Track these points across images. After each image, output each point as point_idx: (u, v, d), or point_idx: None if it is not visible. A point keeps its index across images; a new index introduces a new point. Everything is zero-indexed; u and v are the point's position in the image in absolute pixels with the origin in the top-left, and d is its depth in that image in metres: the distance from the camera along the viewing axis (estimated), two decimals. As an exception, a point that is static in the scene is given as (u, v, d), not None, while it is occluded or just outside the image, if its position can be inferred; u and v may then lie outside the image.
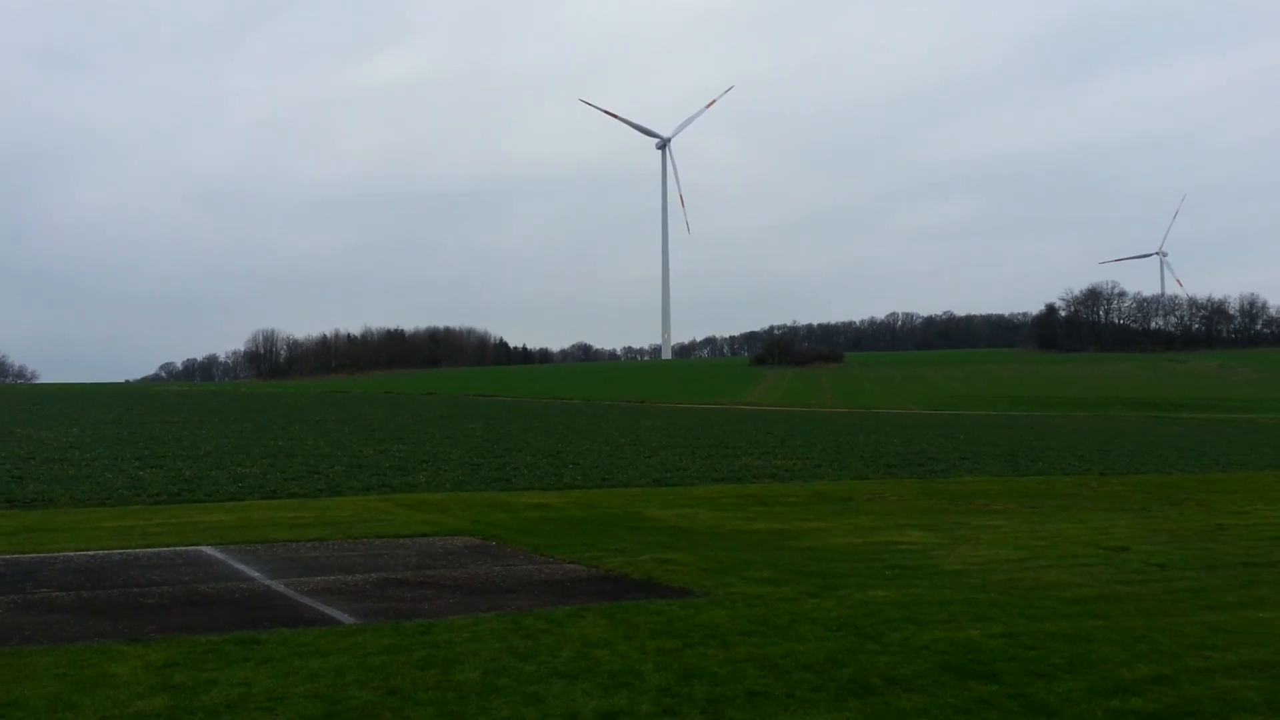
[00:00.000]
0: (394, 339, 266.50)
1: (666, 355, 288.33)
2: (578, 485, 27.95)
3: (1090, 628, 10.86)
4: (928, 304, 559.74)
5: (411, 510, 21.52)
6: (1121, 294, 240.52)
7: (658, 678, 8.70)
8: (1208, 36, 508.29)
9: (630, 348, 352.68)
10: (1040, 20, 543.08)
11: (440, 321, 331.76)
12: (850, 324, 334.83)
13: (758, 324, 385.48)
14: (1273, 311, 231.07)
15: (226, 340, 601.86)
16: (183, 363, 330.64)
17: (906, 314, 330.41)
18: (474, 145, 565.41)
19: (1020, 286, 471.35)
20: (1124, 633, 10.64)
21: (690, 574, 13.96)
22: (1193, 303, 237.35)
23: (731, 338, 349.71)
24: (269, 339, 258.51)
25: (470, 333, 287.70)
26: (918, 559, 15.93)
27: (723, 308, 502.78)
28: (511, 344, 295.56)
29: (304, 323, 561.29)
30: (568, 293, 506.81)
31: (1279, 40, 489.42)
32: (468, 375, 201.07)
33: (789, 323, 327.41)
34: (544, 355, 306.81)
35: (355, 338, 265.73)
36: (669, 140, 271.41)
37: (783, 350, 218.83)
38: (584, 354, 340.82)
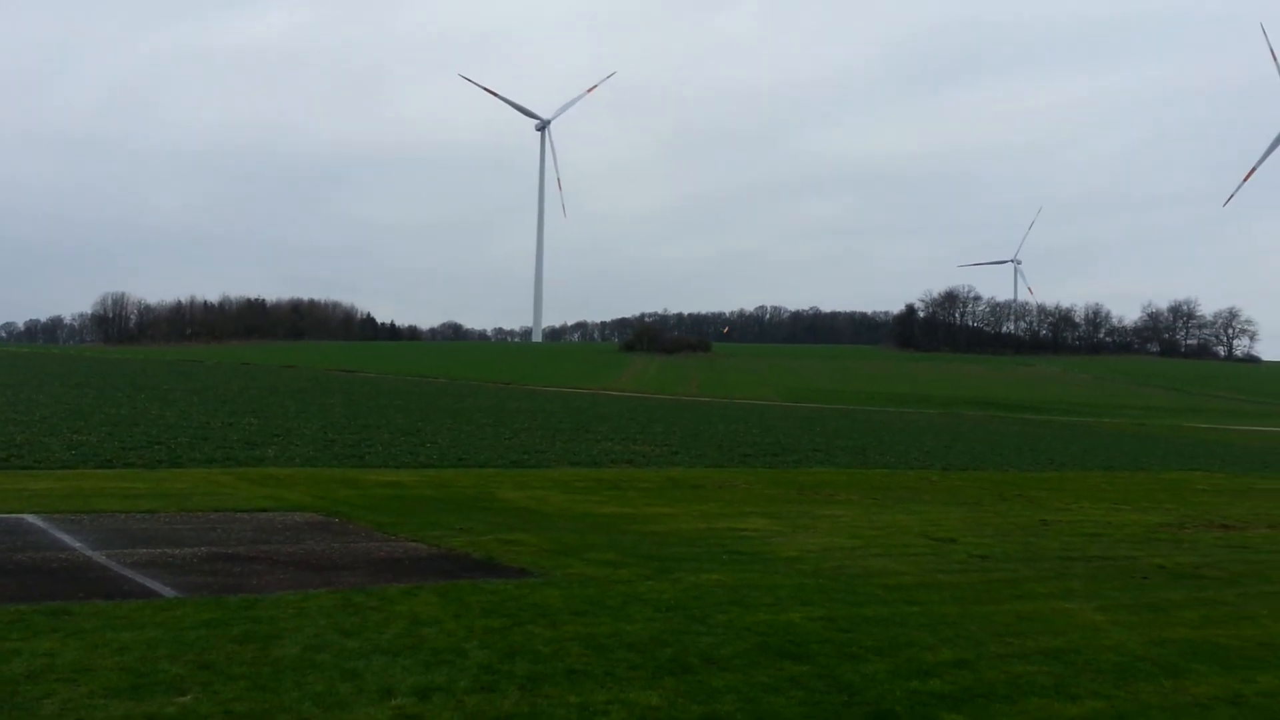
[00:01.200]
0: (254, 309, 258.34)
1: (537, 338, 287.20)
2: (433, 464, 27.71)
3: (905, 613, 11.37)
4: (796, 298, 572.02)
5: (254, 485, 21.01)
6: (977, 298, 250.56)
7: (481, 655, 8.76)
8: (1067, 55, 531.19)
9: (501, 329, 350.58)
10: (911, 26, 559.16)
11: (305, 293, 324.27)
12: (720, 314, 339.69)
13: (629, 310, 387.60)
14: (1115, 322, 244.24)
15: (73, 302, 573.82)
16: (24, 323, 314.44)
17: (775, 307, 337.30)
18: (349, 113, 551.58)
19: (885, 286, 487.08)
20: (936, 619, 11.17)
21: (531, 554, 14.04)
22: (1041, 309, 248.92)
23: (603, 323, 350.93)
24: (119, 302, 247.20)
25: (336, 306, 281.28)
26: (757, 545, 16.35)
27: (595, 293, 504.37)
28: (379, 319, 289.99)
29: (158, 287, 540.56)
30: (440, 270, 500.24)
31: (1130, 64, 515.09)
32: (331, 349, 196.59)
33: (660, 310, 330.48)
34: (413, 332, 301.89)
35: (213, 305, 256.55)
36: (549, 122, 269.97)
37: (652, 337, 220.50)
38: (454, 333, 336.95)
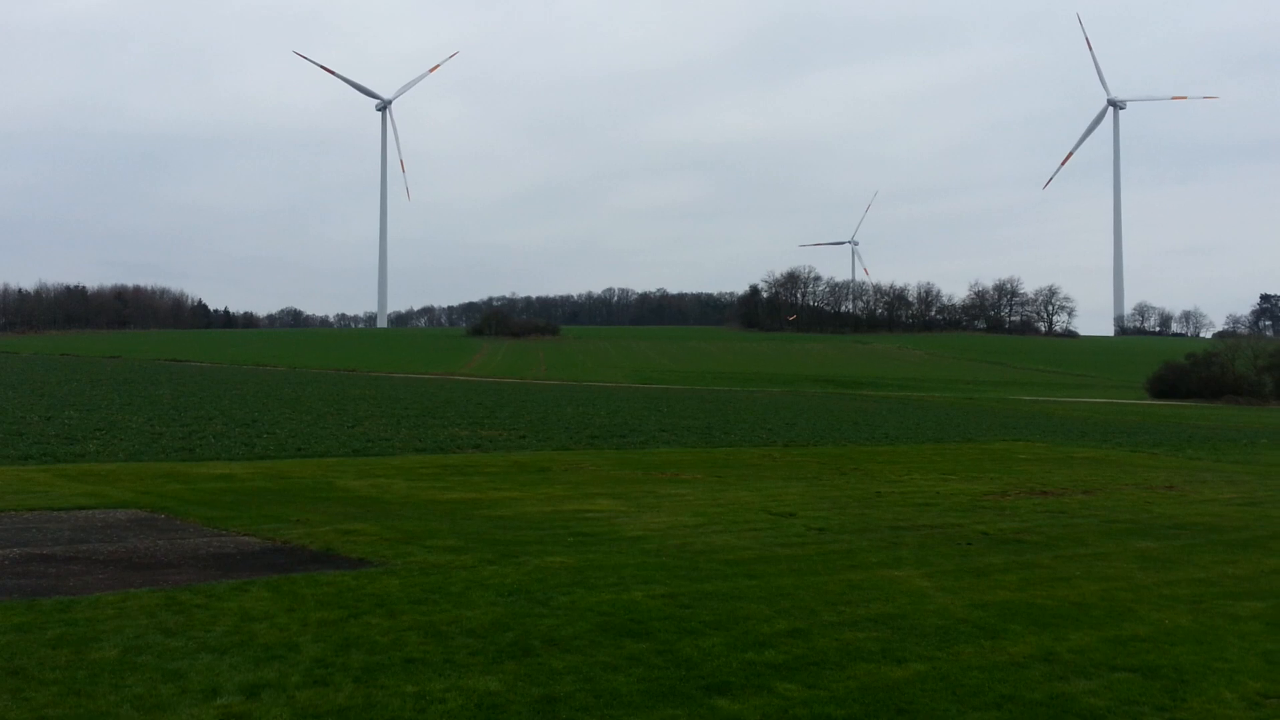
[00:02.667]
0: (74, 296, 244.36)
1: (382, 324, 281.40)
2: (269, 455, 26.82)
3: (744, 587, 11.62)
4: (643, 281, 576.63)
5: (73, 481, 19.91)
6: (817, 278, 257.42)
7: (315, 649, 8.54)
8: (901, 45, 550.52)
9: (344, 315, 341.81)
10: (757, 16, 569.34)
11: (132, 280, 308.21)
12: (568, 298, 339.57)
13: (477, 295, 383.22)
14: (945, 300, 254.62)
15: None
16: None
17: (623, 290, 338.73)
18: (177, 91, 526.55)
19: (730, 267, 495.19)
20: (774, 591, 11.46)
21: (371, 544, 13.76)
22: (878, 289, 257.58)
23: (450, 308, 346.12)
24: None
25: (164, 293, 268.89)
26: (602, 526, 16.43)
27: (442, 277, 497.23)
28: (212, 307, 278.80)
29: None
30: (278, 255, 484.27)
31: (959, 53, 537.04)
32: (160, 338, 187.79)
33: (508, 295, 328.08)
34: (248, 319, 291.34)
35: (28, 293, 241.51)
36: (390, 102, 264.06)
37: (500, 322, 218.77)
38: (293, 319, 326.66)
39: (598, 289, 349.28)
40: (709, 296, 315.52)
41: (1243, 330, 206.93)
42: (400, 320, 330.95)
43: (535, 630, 9.32)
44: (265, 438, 31.16)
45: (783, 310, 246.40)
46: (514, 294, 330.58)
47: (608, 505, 19.11)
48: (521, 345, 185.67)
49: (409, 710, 7.22)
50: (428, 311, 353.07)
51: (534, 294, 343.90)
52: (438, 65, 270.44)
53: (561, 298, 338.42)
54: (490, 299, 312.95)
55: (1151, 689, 8.32)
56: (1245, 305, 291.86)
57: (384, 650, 8.56)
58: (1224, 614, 11.13)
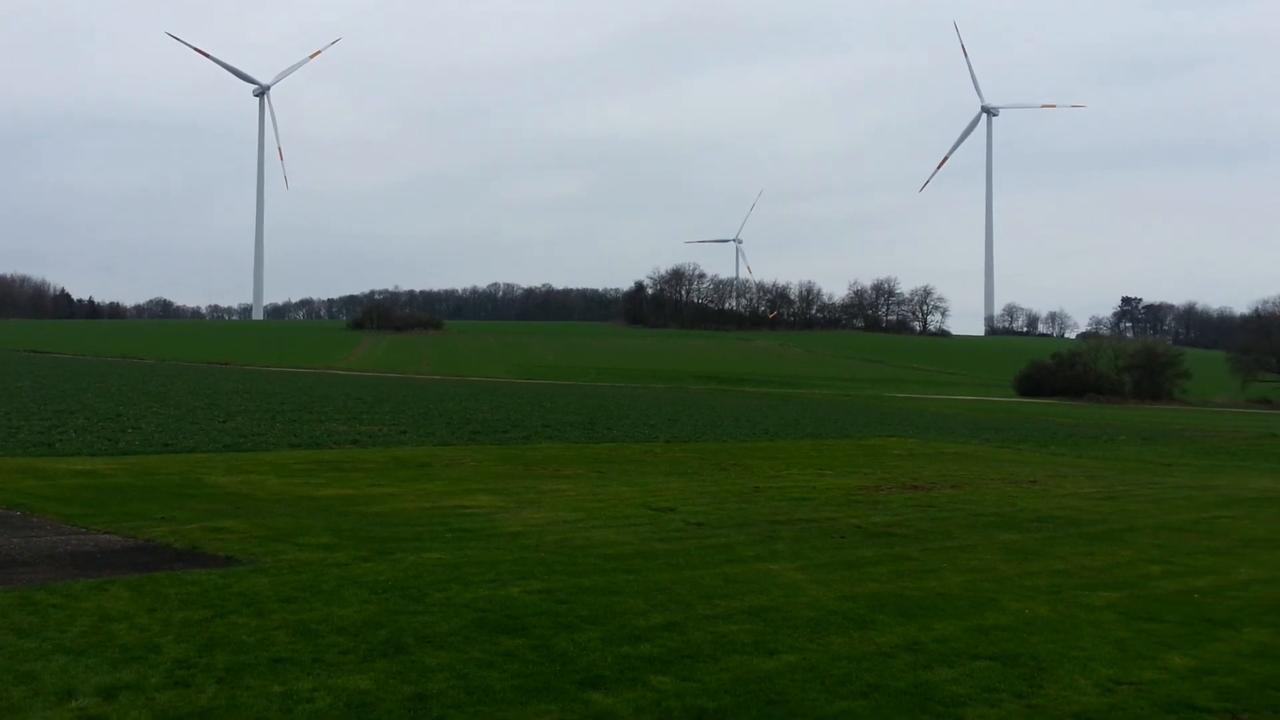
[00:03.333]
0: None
1: (258, 316, 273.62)
2: (134, 451, 25.82)
3: (622, 582, 11.67)
4: (529, 276, 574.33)
5: (-80, 478, 18.84)
6: (702, 275, 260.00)
7: (177, 649, 8.26)
8: (787, 47, 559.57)
9: (217, 306, 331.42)
10: (648, 13, 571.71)
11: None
12: (453, 292, 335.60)
13: (358, 288, 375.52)
14: (825, 299, 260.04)
15: None
16: None
17: (508, 285, 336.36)
18: (40, 71, 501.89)
19: (616, 264, 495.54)
20: (651, 586, 11.53)
21: (240, 542, 13.37)
22: (760, 287, 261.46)
23: (330, 300, 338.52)
24: None
25: (24, 281, 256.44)
26: (481, 522, 16.30)
27: (322, 269, 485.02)
28: (76, 296, 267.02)
29: None
30: (147, 243, 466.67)
31: (842, 57, 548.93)
32: (19, 328, 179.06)
33: (390, 288, 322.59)
34: (115, 310, 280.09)
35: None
36: (268, 88, 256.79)
37: (382, 315, 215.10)
38: (163, 310, 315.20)
39: (483, 283, 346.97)
40: (595, 292, 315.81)
41: (1105, 331, 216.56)
42: (277, 312, 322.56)
43: (409, 627, 9.19)
44: (130, 433, 30.01)
45: (666, 307, 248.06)
46: (397, 287, 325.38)
47: (488, 501, 18.97)
48: (404, 340, 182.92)
49: (274, 711, 7.05)
50: (306, 304, 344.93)
51: (418, 287, 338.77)
52: (319, 51, 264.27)
53: (446, 292, 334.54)
54: (372, 292, 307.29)
55: (1010, 676, 8.64)
56: (1107, 308, 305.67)
57: (250, 650, 8.34)
58: (1080, 604, 11.63)
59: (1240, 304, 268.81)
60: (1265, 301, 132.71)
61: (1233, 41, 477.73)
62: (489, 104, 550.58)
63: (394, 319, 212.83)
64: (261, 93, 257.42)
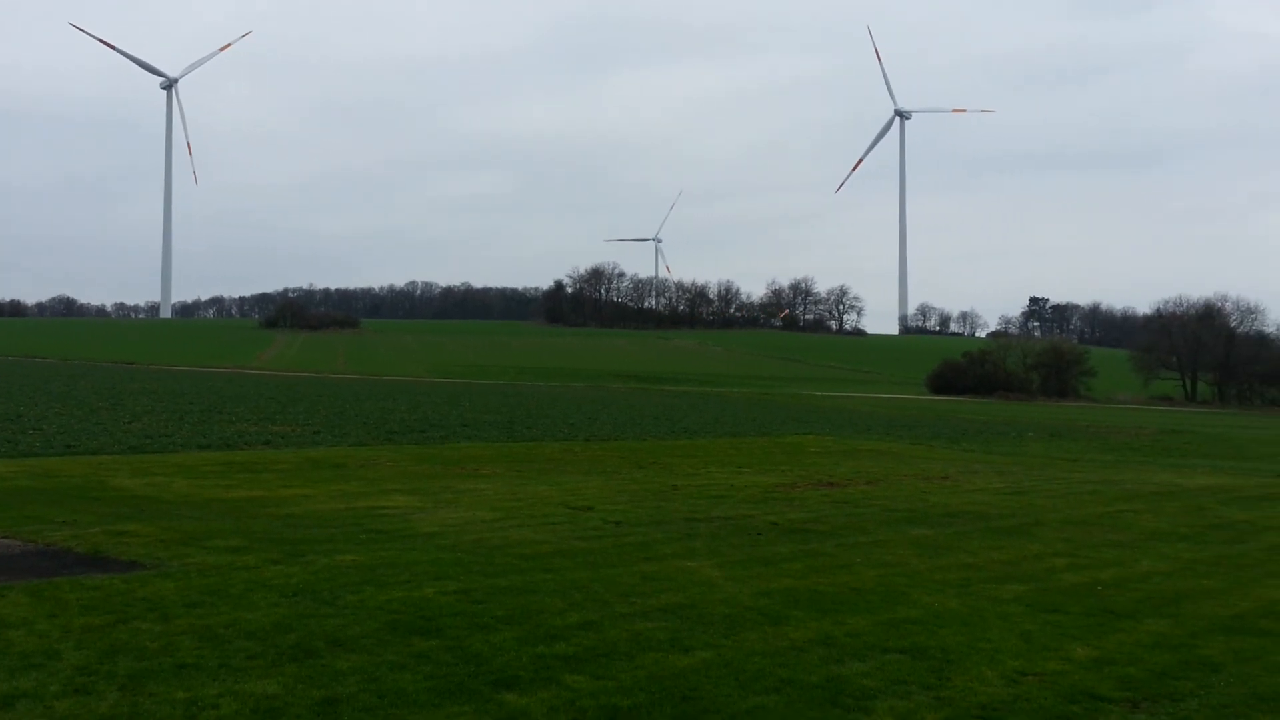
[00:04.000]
0: None
1: (166, 314, 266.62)
2: (35, 453, 24.97)
3: (539, 581, 11.61)
4: (447, 275, 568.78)
5: None
6: (621, 274, 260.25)
7: (77, 656, 8.00)
8: (707, 48, 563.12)
9: (123, 304, 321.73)
10: (569, 10, 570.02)
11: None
12: (369, 290, 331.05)
13: (271, 285, 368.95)
14: (744, 298, 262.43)
15: None
16: None
17: (426, 283, 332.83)
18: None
19: (536, 262, 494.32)
20: (568, 585, 11.50)
21: (145, 546, 13.01)
22: (680, 286, 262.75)
23: (241, 298, 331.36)
24: None
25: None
26: (397, 523, 16.10)
27: (233, 267, 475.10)
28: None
29: None
30: (50, 239, 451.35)
31: (761, 59, 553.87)
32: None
33: (305, 286, 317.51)
34: (16, 307, 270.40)
35: None
36: (176, 81, 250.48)
37: (296, 314, 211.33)
38: (66, 308, 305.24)
39: (400, 282, 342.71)
40: (514, 291, 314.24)
41: (1013, 331, 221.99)
42: (186, 311, 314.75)
43: (320, 631, 9.03)
44: (31, 434, 29.02)
45: (586, 306, 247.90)
46: (311, 285, 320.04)
47: (404, 501, 18.73)
48: (319, 338, 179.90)
49: (178, 717, 6.87)
50: (217, 302, 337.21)
51: (333, 285, 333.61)
52: (229, 44, 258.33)
53: (362, 290, 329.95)
54: (286, 290, 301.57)
55: (920, 669, 8.80)
56: (1016, 307, 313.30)
57: (154, 656, 8.11)
58: (989, 597, 11.89)
59: (1142, 304, 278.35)
60: (1165, 302, 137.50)
61: (1133, 52, 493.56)
62: (407, 99, 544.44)
63: (308, 318, 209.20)
64: (169, 85, 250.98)
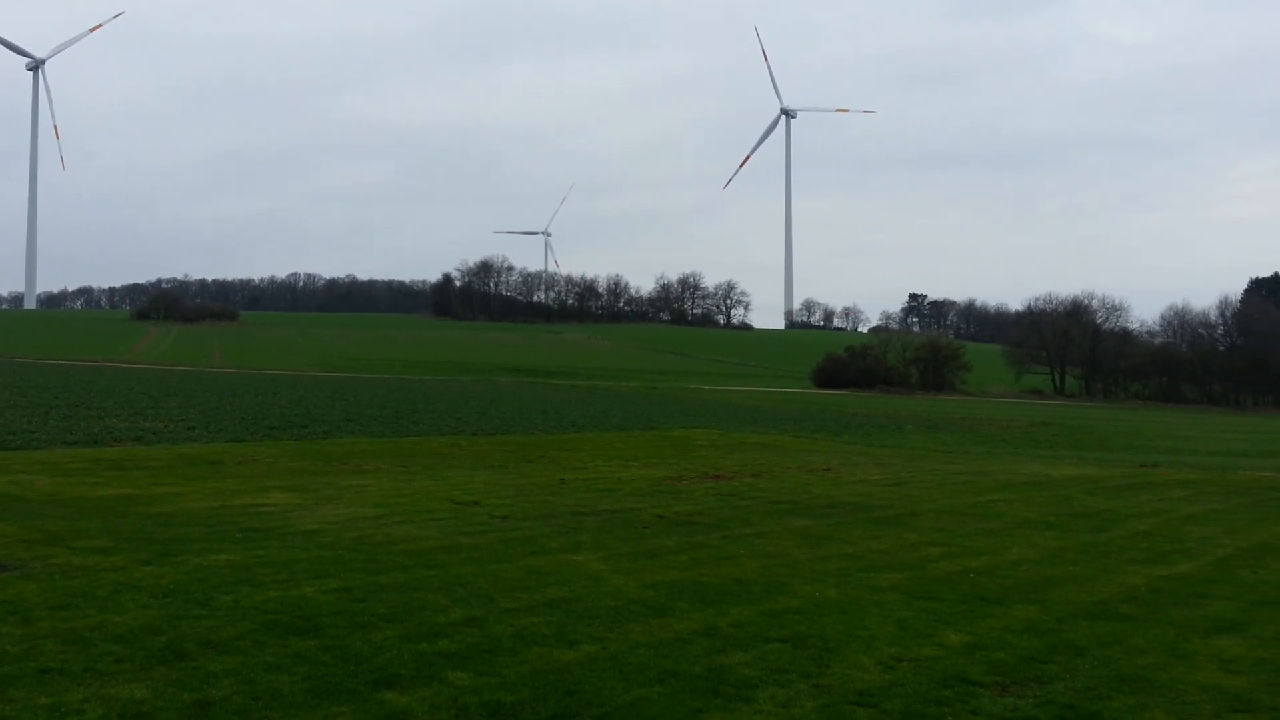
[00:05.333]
0: None
1: (30, 305, 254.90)
2: (-117, 450, 23.61)
3: (423, 578, 11.46)
4: (331, 266, 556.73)
5: None
6: (510, 268, 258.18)
7: (-72, 666, 7.58)
8: (597, 42, 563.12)
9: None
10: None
11: None
12: (248, 281, 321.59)
13: (143, 275, 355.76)
14: (633, 292, 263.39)
15: None
16: None
17: (309, 274, 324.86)
18: None
19: (423, 255, 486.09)
20: (452, 580, 11.37)
21: (6, 546, 12.42)
22: (569, 280, 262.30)
23: (112, 289, 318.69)
24: None
25: None
26: (276, 520, 15.70)
27: (103, 255, 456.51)
28: None
29: None
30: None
31: (653, 54, 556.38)
32: None
33: (180, 276, 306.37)
34: None
35: None
36: (43, 62, 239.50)
37: (170, 305, 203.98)
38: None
39: (281, 273, 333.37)
40: (401, 284, 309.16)
41: (894, 326, 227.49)
42: (52, 301, 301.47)
43: (191, 633, 8.75)
44: (-120, 431, 27.40)
45: (474, 300, 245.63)
46: (187, 276, 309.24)
47: (283, 499, 18.28)
48: (195, 331, 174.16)
49: (39, 727, 6.57)
50: (85, 292, 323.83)
51: (209, 276, 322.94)
52: (100, 24, 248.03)
53: (241, 281, 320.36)
54: (159, 280, 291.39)
55: (800, 658, 8.96)
56: (896, 303, 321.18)
57: (15, 661, 7.74)
58: (867, 585, 12.17)
59: (1015, 301, 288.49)
60: (1036, 299, 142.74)
61: (1006, 56, 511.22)
62: (287, 83, 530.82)
63: (183, 309, 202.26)
64: (36, 67, 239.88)
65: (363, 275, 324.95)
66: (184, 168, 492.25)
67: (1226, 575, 13.71)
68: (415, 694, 7.51)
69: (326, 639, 8.74)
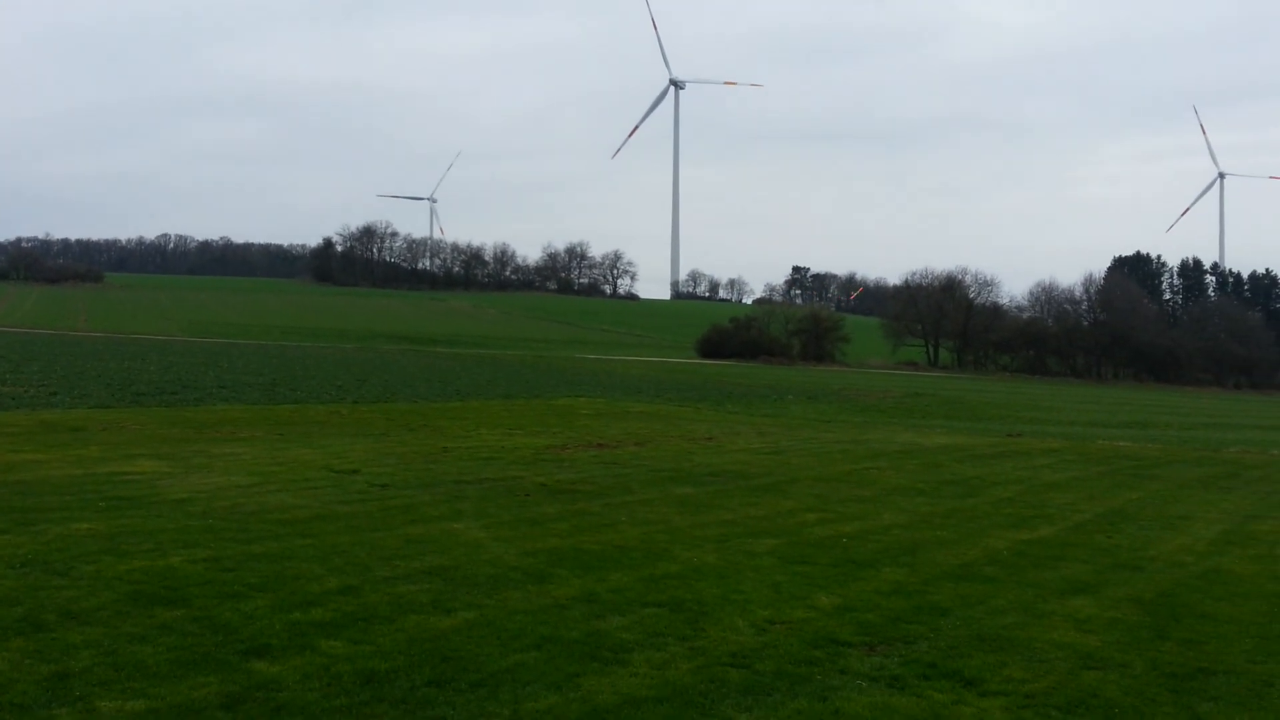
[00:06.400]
0: None
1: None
2: None
3: (297, 547, 11.24)
4: (204, 228, 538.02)
5: None
6: (394, 234, 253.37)
7: None
8: (482, 7, 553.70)
9: None
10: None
11: None
12: (115, 242, 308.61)
13: (1, 234, 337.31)
14: (520, 261, 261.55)
15: None
16: None
17: (180, 236, 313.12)
18: None
19: (303, 218, 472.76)
20: (328, 549, 11.19)
21: None
22: (455, 247, 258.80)
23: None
24: None
25: None
26: (143, 489, 15.19)
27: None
28: None
29: None
30: None
31: (539, 19, 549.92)
32: None
33: (41, 235, 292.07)
34: None
35: None
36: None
37: (30, 265, 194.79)
38: None
39: (151, 234, 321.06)
40: (280, 248, 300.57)
41: (777, 298, 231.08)
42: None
43: (51, 603, 8.43)
44: None
45: (357, 266, 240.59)
46: (48, 235, 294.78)
47: (151, 467, 17.68)
48: (57, 293, 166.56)
49: (-120, 704, 6.25)
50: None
51: (73, 236, 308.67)
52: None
53: (107, 241, 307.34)
54: (19, 239, 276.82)
55: (676, 621, 9.09)
56: (780, 275, 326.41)
57: None
58: (744, 551, 12.40)
59: (893, 275, 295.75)
60: (913, 273, 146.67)
61: (887, 34, 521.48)
62: (157, 37, 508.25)
63: (45, 270, 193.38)
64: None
65: (238, 238, 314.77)
66: (44, 122, 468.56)
67: (1083, 539, 14.39)
68: (286, 663, 7.38)
69: (194, 609, 8.52)
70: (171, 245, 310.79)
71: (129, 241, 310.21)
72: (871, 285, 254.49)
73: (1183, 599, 10.83)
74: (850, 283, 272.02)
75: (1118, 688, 7.82)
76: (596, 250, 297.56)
